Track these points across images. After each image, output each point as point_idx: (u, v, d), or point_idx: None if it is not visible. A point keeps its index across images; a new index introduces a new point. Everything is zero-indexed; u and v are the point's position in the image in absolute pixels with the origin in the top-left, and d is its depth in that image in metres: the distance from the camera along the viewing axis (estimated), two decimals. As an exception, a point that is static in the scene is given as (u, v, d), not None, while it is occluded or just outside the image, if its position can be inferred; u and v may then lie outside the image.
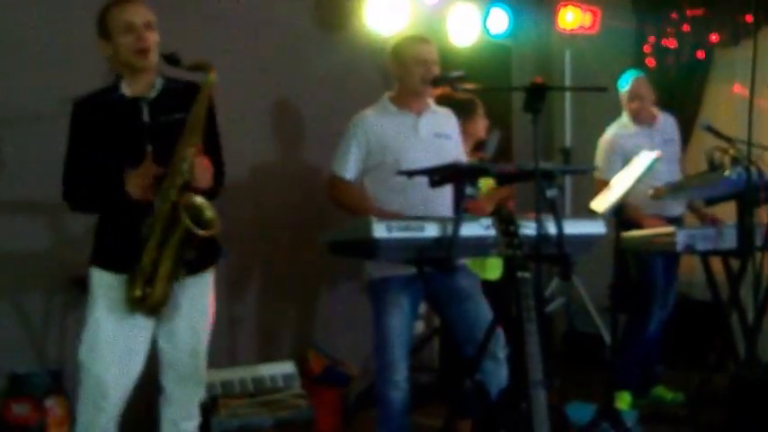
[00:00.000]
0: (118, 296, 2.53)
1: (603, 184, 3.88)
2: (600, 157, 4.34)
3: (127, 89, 2.59)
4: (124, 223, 2.53)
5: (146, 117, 2.56)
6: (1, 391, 3.33)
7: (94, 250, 2.62)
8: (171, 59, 2.53)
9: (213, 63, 2.56)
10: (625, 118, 4.40)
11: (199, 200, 2.50)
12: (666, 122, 4.46)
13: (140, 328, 2.59)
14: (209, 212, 2.51)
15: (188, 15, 3.89)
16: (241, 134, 4.10)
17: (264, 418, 3.68)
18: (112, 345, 2.55)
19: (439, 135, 3.26)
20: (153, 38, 2.57)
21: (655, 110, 4.45)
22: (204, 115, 2.54)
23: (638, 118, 4.37)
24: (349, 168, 3.21)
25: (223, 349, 4.02)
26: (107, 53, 2.58)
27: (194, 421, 2.75)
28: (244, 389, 3.81)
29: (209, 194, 2.58)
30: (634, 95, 4.35)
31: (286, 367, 3.99)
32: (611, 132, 4.39)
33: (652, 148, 4.02)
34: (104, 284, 2.56)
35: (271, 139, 4.32)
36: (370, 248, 2.71)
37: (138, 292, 2.50)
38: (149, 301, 2.51)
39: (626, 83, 4.38)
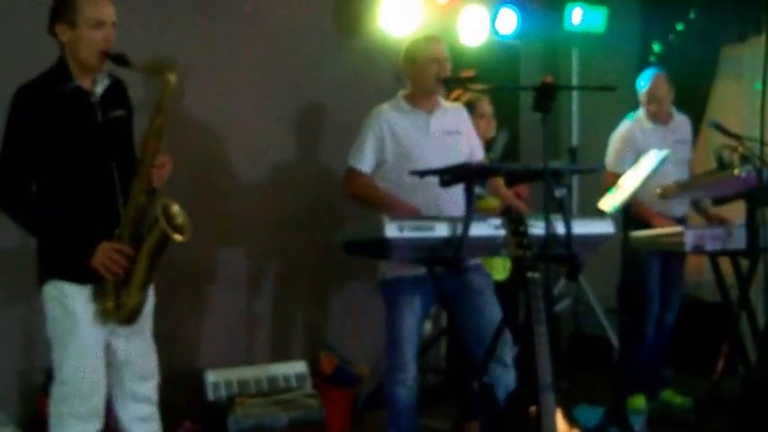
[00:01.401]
0: (93, 309, 2.47)
1: (614, 176, 3.87)
2: (612, 150, 4.30)
3: (78, 80, 2.48)
4: (87, 233, 2.44)
5: (99, 116, 2.49)
6: (38, 385, 3.35)
7: (59, 262, 2.48)
8: (121, 61, 2.44)
9: (173, 63, 2.55)
10: (641, 113, 4.35)
11: (176, 208, 2.48)
12: (681, 123, 4.42)
13: (106, 333, 2.54)
14: (181, 219, 2.49)
15: (206, 21, 3.92)
16: (258, 136, 4.15)
17: (279, 417, 3.70)
18: (97, 360, 2.50)
19: (449, 133, 3.28)
20: (114, 38, 2.49)
21: (671, 109, 4.41)
22: (168, 120, 2.46)
23: (654, 116, 4.34)
24: (365, 161, 3.22)
25: (240, 349, 4.05)
26: (65, 39, 2.46)
27: (156, 412, 2.68)
28: (259, 388, 3.84)
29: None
30: (653, 98, 4.28)
31: (298, 367, 4.01)
32: (625, 126, 4.34)
33: (664, 147, 4.00)
34: (82, 299, 2.47)
35: (287, 141, 4.33)
36: (382, 248, 2.72)
37: (110, 303, 2.45)
38: (125, 311, 2.46)
39: (645, 82, 4.31)
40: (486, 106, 3.84)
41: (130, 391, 2.61)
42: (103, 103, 2.51)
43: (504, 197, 3.40)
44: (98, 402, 2.51)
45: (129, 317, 2.49)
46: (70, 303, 2.46)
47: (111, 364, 2.58)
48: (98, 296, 2.46)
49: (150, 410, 2.66)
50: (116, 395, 2.62)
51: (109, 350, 2.57)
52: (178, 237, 2.45)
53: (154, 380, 2.67)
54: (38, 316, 3.33)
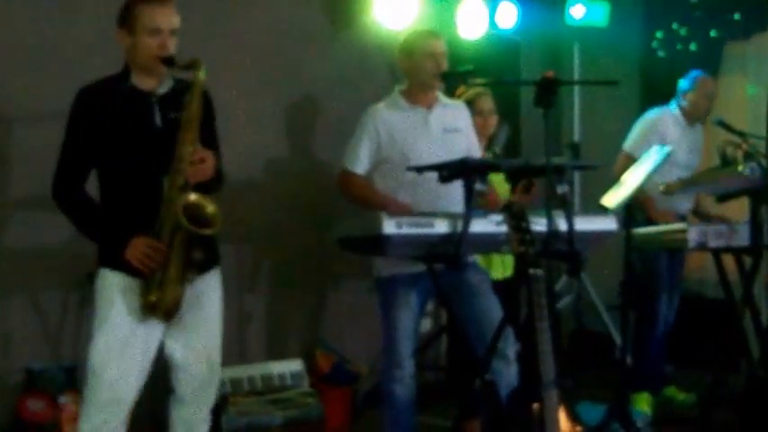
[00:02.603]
0: (134, 300, 2.49)
1: (629, 159, 3.85)
2: (637, 132, 4.26)
3: (138, 81, 2.56)
4: (137, 225, 2.47)
5: (157, 115, 2.54)
6: (17, 386, 3.34)
7: (109, 252, 2.54)
8: (168, 62, 2.51)
9: (202, 59, 2.53)
10: (675, 110, 4.30)
11: (195, 197, 2.46)
12: (699, 131, 4.40)
13: (154, 329, 2.55)
14: (210, 208, 2.47)
15: (197, 15, 3.86)
16: (251, 132, 4.12)
17: (274, 416, 3.69)
18: (128, 350, 2.50)
19: (448, 129, 3.25)
20: (173, 45, 2.55)
21: None
22: (198, 112, 2.51)
23: (692, 115, 4.28)
24: (360, 162, 3.19)
25: (233, 347, 4.00)
26: (125, 44, 2.56)
27: (207, 424, 2.71)
28: (253, 387, 3.82)
29: (209, 189, 2.54)
30: (706, 94, 4.25)
31: (294, 365, 3.99)
32: (657, 113, 4.31)
33: (688, 150, 3.99)
34: (121, 287, 2.50)
35: (281, 136, 4.31)
36: (380, 245, 2.71)
37: (152, 297, 2.46)
38: (162, 306, 2.47)
39: (693, 83, 4.27)
40: (486, 103, 3.78)
41: (182, 395, 2.63)
42: (164, 104, 2.55)
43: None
44: (121, 393, 2.50)
45: (166, 313, 2.48)
46: (110, 294, 2.50)
47: (170, 366, 2.62)
48: (143, 289, 2.48)
49: (199, 418, 2.67)
50: (174, 393, 2.65)
51: (166, 353, 2.60)
52: (206, 231, 2.45)
53: (211, 386, 2.67)
54: (15, 317, 3.33)
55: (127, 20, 2.54)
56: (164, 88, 2.58)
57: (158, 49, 2.50)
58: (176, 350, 2.60)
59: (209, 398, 2.68)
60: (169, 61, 2.51)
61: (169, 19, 2.54)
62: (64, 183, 2.54)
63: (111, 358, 2.48)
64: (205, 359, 2.62)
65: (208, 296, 2.62)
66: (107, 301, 2.51)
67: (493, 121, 3.79)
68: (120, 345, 2.49)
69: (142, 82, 2.56)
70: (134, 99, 2.54)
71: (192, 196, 2.46)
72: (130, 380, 2.52)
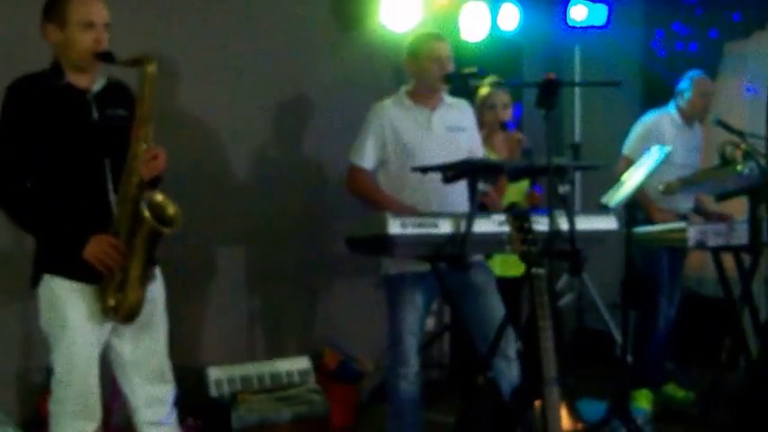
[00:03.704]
0: (90, 307, 2.43)
1: (629, 163, 3.89)
2: (636, 136, 4.30)
3: (72, 79, 2.46)
4: (78, 228, 2.40)
5: (94, 112, 2.47)
6: (37, 385, 3.36)
7: (52, 257, 2.44)
8: (106, 58, 2.42)
9: (153, 55, 2.42)
10: (673, 111, 4.35)
11: (160, 197, 2.43)
12: (698, 131, 4.44)
13: (103, 331, 2.51)
14: (172, 208, 2.44)
15: (203, 16, 3.90)
16: (256, 132, 4.14)
17: (283, 413, 3.70)
18: (92, 357, 2.47)
19: (452, 129, 3.28)
20: (107, 39, 2.46)
21: None
22: (151, 109, 2.41)
23: (689, 115, 4.33)
24: (367, 157, 3.22)
25: (242, 346, 4.06)
26: (54, 40, 2.44)
27: (174, 415, 2.65)
28: (261, 384, 3.84)
29: (152, 186, 2.48)
30: (703, 93, 4.29)
31: (301, 363, 4.01)
32: (655, 116, 4.35)
33: (686, 150, 4.02)
34: (74, 295, 2.43)
35: (286, 137, 4.33)
36: (386, 245, 2.74)
37: (111, 302, 2.41)
38: (123, 310, 2.42)
39: (690, 82, 4.31)
40: (499, 98, 3.81)
41: (142, 395, 2.58)
42: (100, 101, 2.49)
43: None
44: (93, 402, 2.48)
45: (127, 314, 2.45)
46: (61, 304, 2.43)
47: (119, 366, 2.57)
48: (100, 294, 2.43)
49: (164, 414, 2.62)
50: (129, 399, 2.59)
51: (114, 352, 2.55)
52: (167, 230, 2.40)
53: (166, 381, 2.63)
54: (35, 315, 3.37)
55: (56, 14, 2.42)
56: (98, 86, 2.49)
57: (93, 43, 2.40)
58: (125, 349, 2.54)
59: (170, 393, 2.63)
60: (106, 57, 2.41)
61: (102, 12, 2.44)
62: (6, 177, 2.39)
63: (77, 371, 2.44)
64: (155, 358, 2.58)
65: (154, 299, 2.56)
66: (59, 313, 2.43)
67: (507, 115, 3.83)
68: (83, 355, 2.45)
69: (77, 79, 2.46)
70: (70, 97, 2.44)
71: (159, 196, 2.43)
72: (96, 386, 2.49)
